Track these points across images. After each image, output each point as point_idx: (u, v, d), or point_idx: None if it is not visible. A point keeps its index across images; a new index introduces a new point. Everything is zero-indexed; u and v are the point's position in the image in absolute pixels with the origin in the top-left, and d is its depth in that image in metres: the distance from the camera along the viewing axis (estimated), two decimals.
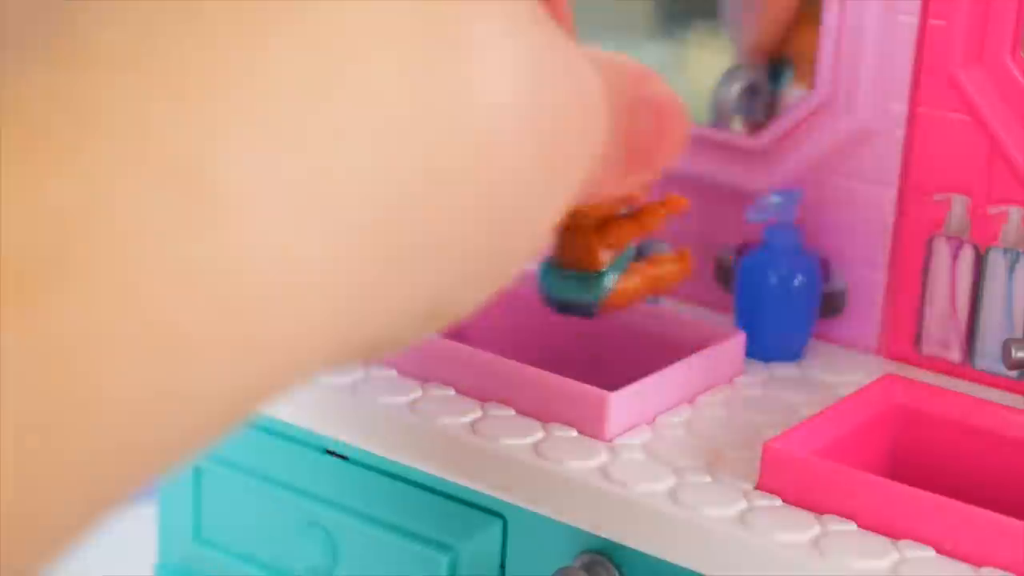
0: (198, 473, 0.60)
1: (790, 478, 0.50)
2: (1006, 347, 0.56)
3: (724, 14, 0.67)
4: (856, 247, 0.61)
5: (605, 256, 0.53)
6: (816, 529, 0.48)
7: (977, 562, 0.47)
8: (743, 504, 0.49)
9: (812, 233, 0.61)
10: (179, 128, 0.28)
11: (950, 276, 0.59)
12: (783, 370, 0.59)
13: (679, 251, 0.56)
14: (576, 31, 0.54)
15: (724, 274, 0.64)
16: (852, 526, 0.48)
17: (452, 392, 0.55)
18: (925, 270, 0.59)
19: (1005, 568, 0.46)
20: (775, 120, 0.62)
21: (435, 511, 0.54)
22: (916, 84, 0.58)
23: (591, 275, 0.53)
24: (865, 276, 0.61)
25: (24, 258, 0.26)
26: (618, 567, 0.51)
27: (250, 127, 0.28)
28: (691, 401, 0.56)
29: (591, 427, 0.53)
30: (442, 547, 0.54)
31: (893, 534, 0.48)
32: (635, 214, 0.54)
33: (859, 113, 0.59)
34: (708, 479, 0.51)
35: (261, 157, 0.28)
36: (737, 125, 0.63)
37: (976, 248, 0.58)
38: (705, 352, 0.56)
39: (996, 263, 0.58)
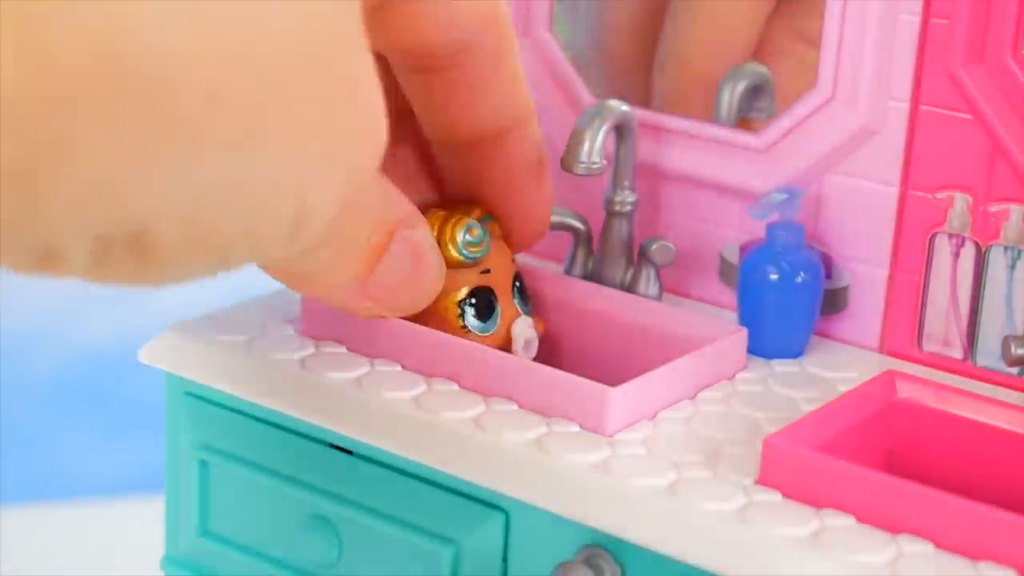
0: (204, 467, 0.60)
1: (790, 473, 0.50)
2: (1006, 344, 0.56)
3: None
4: (858, 244, 0.61)
5: None
6: (815, 523, 0.48)
7: (975, 556, 0.47)
8: (743, 499, 0.50)
9: (814, 230, 0.62)
10: None
11: (951, 273, 0.59)
12: (784, 366, 0.59)
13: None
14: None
15: (727, 271, 0.64)
16: (851, 520, 0.49)
17: (456, 387, 0.56)
18: (927, 267, 0.59)
19: (1003, 563, 0.47)
20: (777, 118, 0.62)
21: (438, 505, 0.55)
22: (918, 82, 0.58)
23: None
24: (867, 273, 0.61)
25: None
26: (619, 561, 0.51)
27: None
28: (692, 397, 0.56)
29: (593, 422, 0.53)
30: (445, 540, 0.54)
31: (892, 528, 0.48)
32: None
33: (861, 111, 0.60)
34: (708, 474, 0.51)
35: None
36: (742, 123, 0.64)
37: (977, 245, 0.58)
38: (707, 348, 0.57)
39: (997, 261, 0.58)
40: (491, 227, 0.58)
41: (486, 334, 0.57)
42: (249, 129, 0.39)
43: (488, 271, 0.57)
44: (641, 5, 0.66)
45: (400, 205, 0.52)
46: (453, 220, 0.56)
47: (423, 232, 0.53)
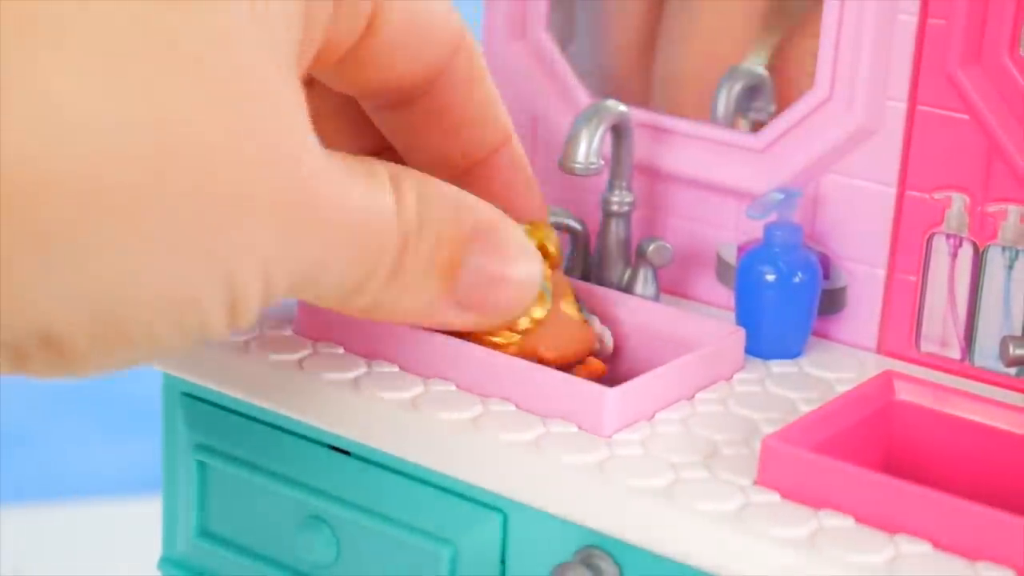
0: (202, 468, 0.60)
1: (788, 474, 0.50)
2: (1004, 344, 0.56)
3: None
4: (856, 245, 0.61)
5: None
6: (813, 524, 0.48)
7: (973, 557, 0.47)
8: (741, 499, 0.50)
9: (812, 231, 0.62)
10: None
11: (949, 274, 0.59)
12: (782, 367, 0.59)
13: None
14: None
15: (724, 271, 0.64)
16: (849, 521, 0.49)
17: (454, 388, 0.55)
18: (924, 268, 0.59)
19: (1001, 563, 0.47)
20: (775, 118, 0.62)
21: (436, 506, 0.55)
22: (915, 83, 0.58)
23: None
24: (865, 274, 0.61)
25: None
26: (617, 562, 0.51)
27: None
28: (690, 398, 0.56)
29: (590, 423, 0.53)
30: (443, 541, 0.54)
31: (890, 529, 0.48)
32: None
33: (858, 112, 0.59)
34: (706, 475, 0.51)
35: None
36: (738, 123, 0.64)
37: (975, 246, 0.58)
38: (704, 349, 0.57)
39: (995, 261, 0.58)
40: None
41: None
42: (132, 227, 0.39)
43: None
44: (639, 8, 0.66)
45: (469, 212, 0.50)
46: (539, 223, 0.57)
47: (507, 232, 0.52)
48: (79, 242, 0.38)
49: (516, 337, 0.55)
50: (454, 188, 0.50)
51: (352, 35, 0.49)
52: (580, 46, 0.68)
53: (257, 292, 0.43)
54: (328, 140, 0.57)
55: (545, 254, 0.56)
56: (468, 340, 0.55)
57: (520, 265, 0.52)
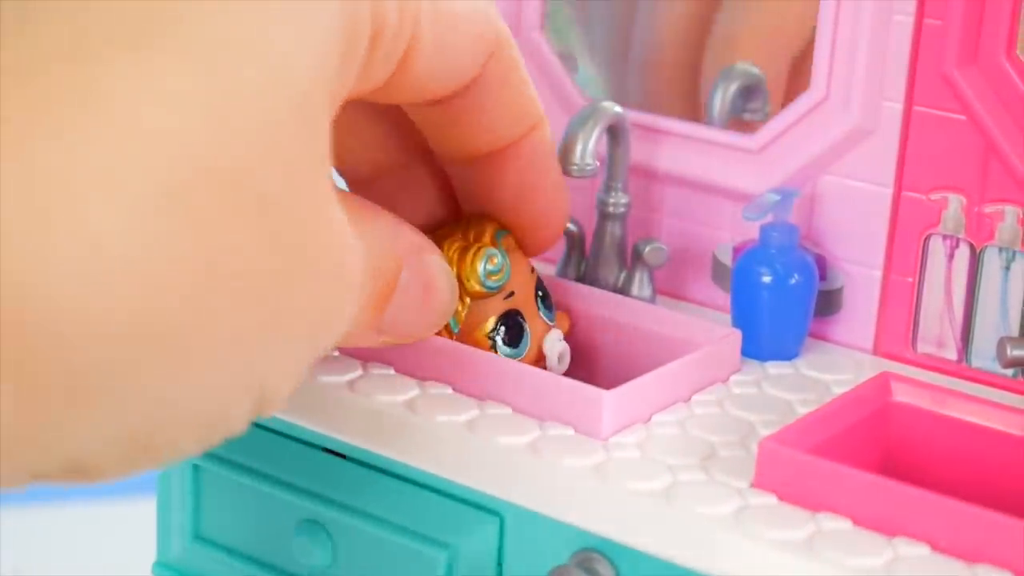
0: (197, 471, 0.60)
1: (785, 476, 0.50)
2: (1001, 345, 0.56)
3: None
4: (852, 246, 0.61)
5: None
6: (811, 526, 0.48)
7: (972, 559, 0.47)
8: (738, 502, 0.49)
9: (808, 232, 0.62)
10: None
11: (946, 275, 0.59)
12: (779, 369, 0.59)
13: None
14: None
15: (720, 273, 0.64)
16: (847, 523, 0.48)
17: (450, 391, 0.55)
18: (921, 269, 0.59)
19: (1000, 565, 0.46)
20: (771, 119, 0.62)
21: (432, 509, 0.54)
22: (911, 83, 0.58)
23: None
24: (861, 275, 0.61)
25: None
26: (614, 564, 0.51)
27: None
28: (686, 400, 0.56)
29: (587, 426, 0.53)
30: (439, 545, 0.54)
31: (888, 531, 0.48)
32: None
33: (854, 112, 0.59)
34: (703, 477, 0.51)
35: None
36: (733, 124, 0.64)
37: (972, 247, 0.58)
38: (701, 351, 0.57)
39: (991, 262, 0.58)
40: (506, 242, 0.56)
41: (517, 359, 0.56)
42: (173, 361, 0.38)
43: (512, 294, 0.56)
44: (686, 15, 0.65)
45: (400, 240, 0.51)
46: (471, 252, 0.55)
47: (429, 259, 0.52)
48: (118, 383, 0.38)
49: None
50: (386, 215, 0.50)
51: (385, 75, 0.48)
52: (578, 47, 0.67)
53: (288, 388, 0.43)
54: (351, 155, 0.57)
55: (462, 285, 0.55)
56: None
57: (441, 294, 0.52)
